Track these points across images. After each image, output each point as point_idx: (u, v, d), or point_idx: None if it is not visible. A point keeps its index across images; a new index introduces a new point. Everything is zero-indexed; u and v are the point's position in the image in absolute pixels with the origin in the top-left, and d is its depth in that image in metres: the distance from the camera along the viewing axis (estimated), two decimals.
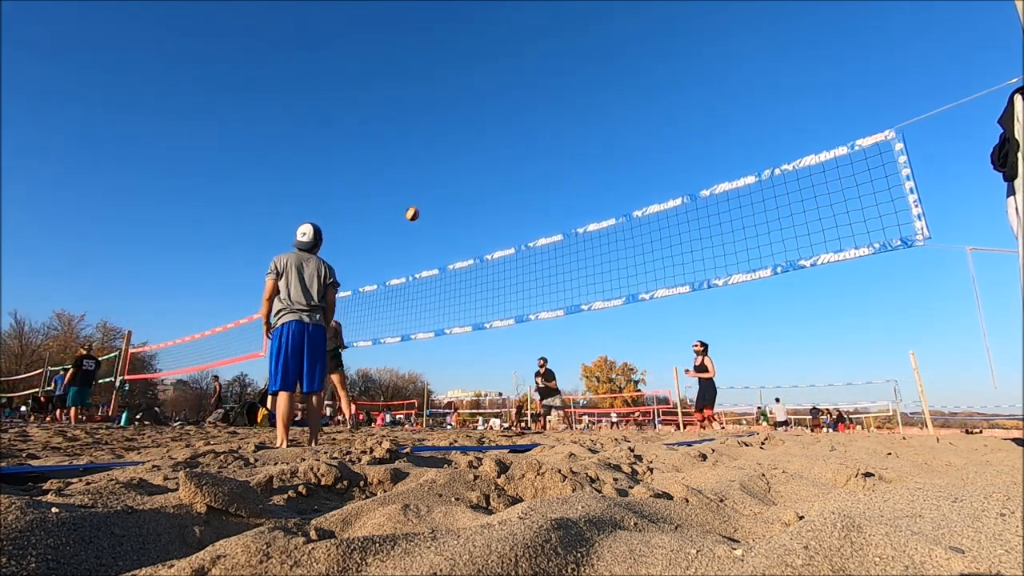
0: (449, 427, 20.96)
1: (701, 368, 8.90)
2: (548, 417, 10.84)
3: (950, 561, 0.64)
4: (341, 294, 9.95)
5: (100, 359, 11.65)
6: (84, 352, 10.74)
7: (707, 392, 8.86)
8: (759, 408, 20.11)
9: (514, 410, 19.42)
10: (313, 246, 4.03)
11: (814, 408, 20.17)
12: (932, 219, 4.39)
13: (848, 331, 68.65)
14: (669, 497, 1.28)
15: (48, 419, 12.78)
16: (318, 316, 3.82)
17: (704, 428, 8.81)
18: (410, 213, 6.33)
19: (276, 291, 3.78)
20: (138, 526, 0.88)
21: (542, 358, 10.73)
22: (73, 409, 10.23)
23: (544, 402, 10.73)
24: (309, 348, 3.70)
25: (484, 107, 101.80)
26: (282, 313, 3.73)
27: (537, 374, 10.75)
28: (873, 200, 4.53)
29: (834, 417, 19.75)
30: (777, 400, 18.62)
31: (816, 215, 4.87)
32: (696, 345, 9.03)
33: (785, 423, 18.17)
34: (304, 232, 4.04)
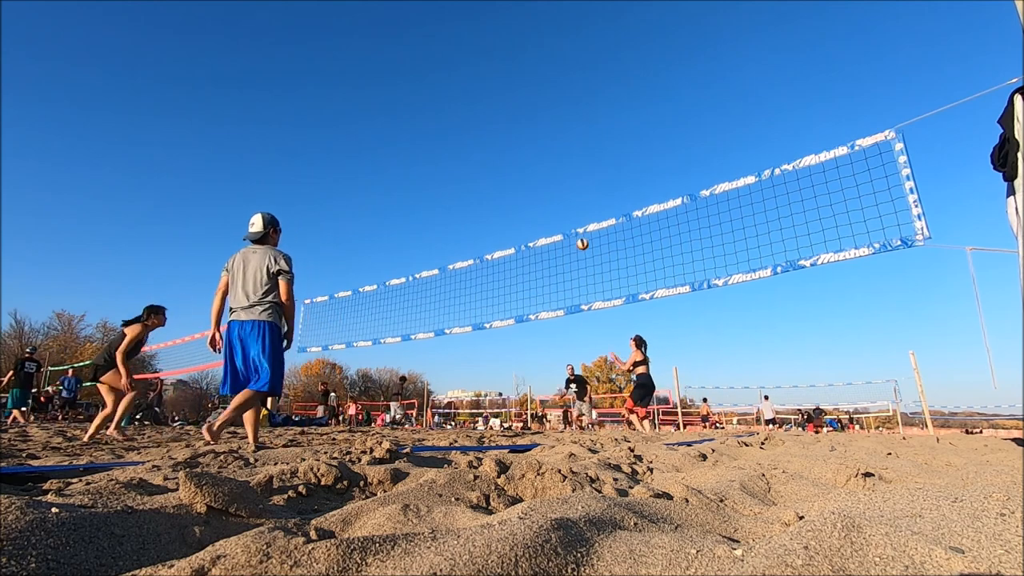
0: (450, 426, 20.93)
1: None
2: (583, 416, 11.43)
3: (950, 561, 0.64)
4: (341, 294, 9.95)
5: (41, 363, 11.64)
6: (27, 355, 10.75)
7: (636, 386, 8.24)
8: (759, 408, 20.10)
9: (562, 414, 19.09)
10: (263, 237, 3.82)
11: (817, 408, 20.17)
12: (932, 219, 4.40)
13: (848, 331, 68.51)
14: (669, 497, 1.28)
15: (60, 417, 12.80)
16: (258, 311, 3.63)
17: (630, 425, 8.23)
18: (581, 244, 6.67)
19: (228, 289, 3.76)
20: (138, 526, 0.88)
21: (570, 365, 11.59)
22: (16, 411, 10.07)
23: (578, 406, 11.38)
24: (245, 346, 3.61)
25: (484, 107, 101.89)
26: (227, 315, 3.70)
27: (570, 381, 11.49)
28: (873, 200, 4.54)
29: (805, 417, 19.66)
30: (766, 398, 18.55)
31: (816, 215, 4.88)
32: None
33: (772, 421, 18.10)
34: (252, 223, 3.84)
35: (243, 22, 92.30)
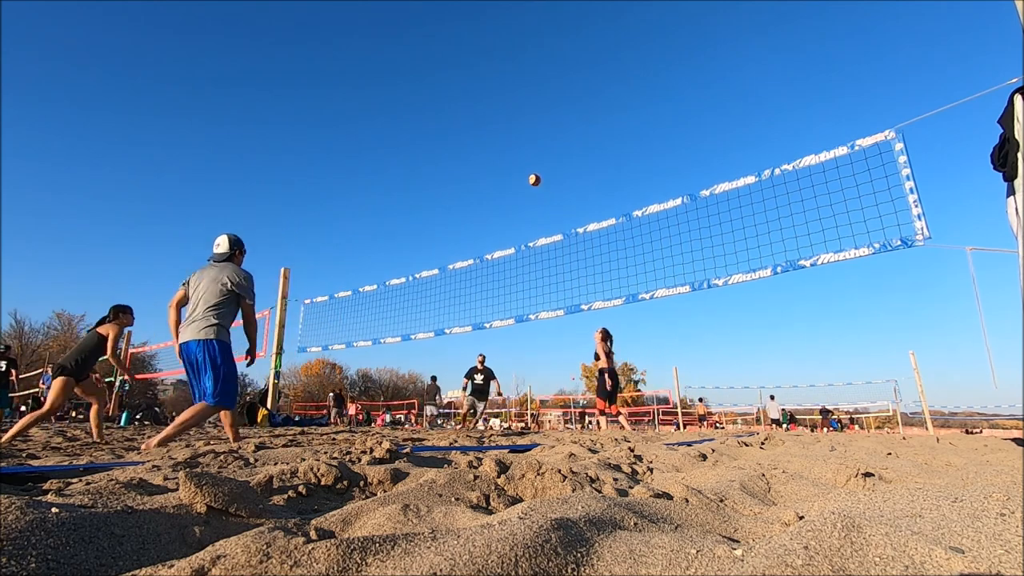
0: (449, 426, 20.90)
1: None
2: (476, 419, 10.06)
3: (950, 561, 0.64)
4: (341, 294, 9.94)
5: (14, 358, 10.99)
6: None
7: (600, 383, 7.79)
8: (762, 409, 20.13)
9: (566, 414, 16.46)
10: (229, 257, 3.87)
11: (823, 408, 20.25)
12: (932, 219, 4.40)
13: (848, 331, 68.59)
14: (669, 497, 1.28)
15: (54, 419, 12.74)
16: (199, 328, 3.66)
17: (600, 424, 7.86)
18: (532, 179, 6.65)
19: (184, 302, 3.83)
20: (138, 526, 0.88)
21: (482, 355, 9.96)
22: None
23: (472, 402, 9.90)
24: (189, 365, 3.67)
25: (484, 107, 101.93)
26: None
27: (476, 371, 9.78)
28: (873, 200, 4.54)
29: (790, 418, 19.83)
30: (772, 398, 18.59)
31: (816, 215, 4.88)
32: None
33: (777, 421, 18.16)
34: (218, 243, 3.91)
35: (243, 22, 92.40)
